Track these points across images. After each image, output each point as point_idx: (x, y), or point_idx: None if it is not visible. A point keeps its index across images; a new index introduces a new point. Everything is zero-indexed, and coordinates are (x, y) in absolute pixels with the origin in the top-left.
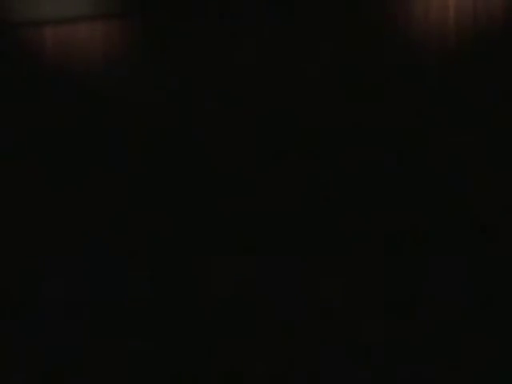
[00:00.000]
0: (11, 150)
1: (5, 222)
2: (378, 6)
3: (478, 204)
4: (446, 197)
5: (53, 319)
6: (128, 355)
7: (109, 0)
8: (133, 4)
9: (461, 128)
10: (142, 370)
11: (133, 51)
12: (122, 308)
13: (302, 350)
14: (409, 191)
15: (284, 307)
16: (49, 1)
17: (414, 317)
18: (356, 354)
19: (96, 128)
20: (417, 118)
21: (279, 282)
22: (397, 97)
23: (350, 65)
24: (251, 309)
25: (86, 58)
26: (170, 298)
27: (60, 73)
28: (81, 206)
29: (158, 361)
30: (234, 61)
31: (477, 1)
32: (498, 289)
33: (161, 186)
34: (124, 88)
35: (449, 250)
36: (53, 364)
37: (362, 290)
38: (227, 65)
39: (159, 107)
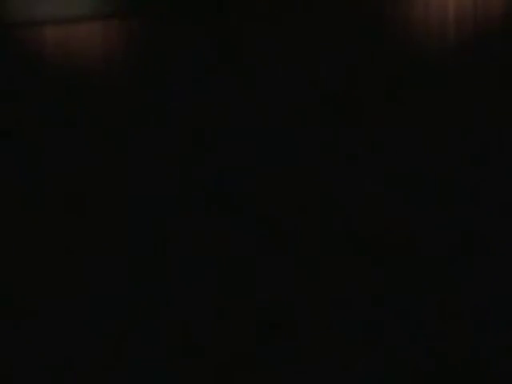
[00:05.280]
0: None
1: None
2: (378, 6)
3: None
4: None
5: None
6: None
7: (109, 0)
8: (133, 4)
9: (451, 124)
10: None
11: (133, 51)
12: None
13: None
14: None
15: None
16: (49, 1)
17: None
18: None
19: (96, 127)
20: (415, 116)
21: None
22: (396, 96)
23: (349, 64)
24: None
25: (86, 58)
26: None
27: (60, 73)
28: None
29: None
30: (233, 59)
31: (477, 1)
32: None
33: (163, 185)
34: (123, 87)
35: None
36: None
37: None
38: (227, 63)
39: (159, 106)
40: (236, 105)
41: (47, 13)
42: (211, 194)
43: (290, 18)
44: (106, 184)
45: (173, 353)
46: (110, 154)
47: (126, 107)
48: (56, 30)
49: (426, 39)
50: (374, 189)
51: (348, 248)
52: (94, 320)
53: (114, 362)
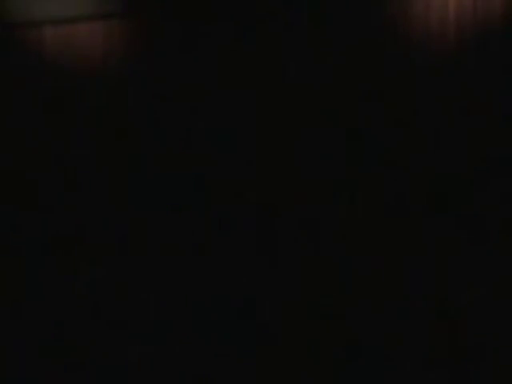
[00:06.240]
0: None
1: None
2: (378, 6)
3: None
4: None
5: None
6: None
7: (109, 0)
8: (133, 4)
9: (460, 126)
10: None
11: (133, 51)
12: None
13: None
14: None
15: None
16: (49, 1)
17: None
18: None
19: (96, 127)
20: (416, 117)
21: None
22: (397, 96)
23: (350, 64)
24: None
25: (86, 58)
26: None
27: (60, 73)
28: None
29: None
30: (233, 59)
31: (477, 1)
32: None
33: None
34: (124, 87)
35: None
36: None
37: None
38: (226, 63)
39: (159, 107)
40: (237, 105)
41: (47, 13)
42: None
43: (296, 21)
44: (104, 184)
45: None
46: (109, 154)
47: (125, 107)
48: (56, 30)
49: (426, 39)
50: None
51: None
52: None
53: None
